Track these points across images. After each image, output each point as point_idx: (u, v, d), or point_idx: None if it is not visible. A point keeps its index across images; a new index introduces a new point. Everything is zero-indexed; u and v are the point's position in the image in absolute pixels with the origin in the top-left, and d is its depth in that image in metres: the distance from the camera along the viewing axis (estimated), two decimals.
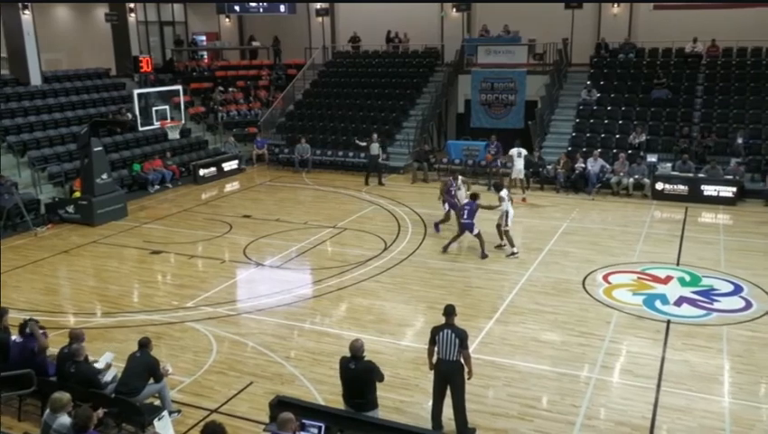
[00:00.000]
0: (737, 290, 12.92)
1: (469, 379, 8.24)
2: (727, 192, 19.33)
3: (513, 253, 14.90)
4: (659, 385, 9.49)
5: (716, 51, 25.19)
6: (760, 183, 19.75)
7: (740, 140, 21.05)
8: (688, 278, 13.54)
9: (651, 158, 21.26)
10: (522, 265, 14.34)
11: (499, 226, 15.15)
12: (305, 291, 13.32)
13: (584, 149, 22.14)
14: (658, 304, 12.30)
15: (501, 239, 15.21)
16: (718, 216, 18.31)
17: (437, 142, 27.77)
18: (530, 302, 12.47)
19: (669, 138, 22.32)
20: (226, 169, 24.39)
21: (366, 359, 7.61)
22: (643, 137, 22.16)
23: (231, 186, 23.07)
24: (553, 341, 10.93)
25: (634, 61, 26.18)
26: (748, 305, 12.24)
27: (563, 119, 24.82)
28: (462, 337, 8.07)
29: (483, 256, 14.79)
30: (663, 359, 10.22)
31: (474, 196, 15.02)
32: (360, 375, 7.56)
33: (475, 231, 14.85)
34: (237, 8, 30.82)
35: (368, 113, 27.37)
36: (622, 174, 20.62)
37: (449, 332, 8.10)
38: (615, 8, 27.86)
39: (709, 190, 19.47)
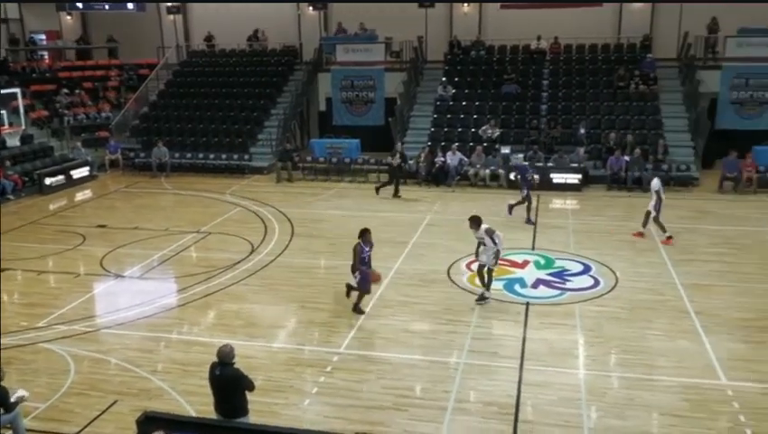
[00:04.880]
0: (586, 270, 13.93)
1: None
2: (574, 179, 20.81)
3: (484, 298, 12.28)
4: (521, 364, 10.02)
5: (558, 48, 26.96)
6: (601, 170, 21.38)
7: (582, 130, 22.68)
8: (542, 262, 14.41)
9: (505, 150, 22.42)
10: (389, 258, 14.60)
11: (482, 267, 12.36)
12: (170, 300, 12.79)
13: (442, 143, 22.92)
14: (517, 287, 12.99)
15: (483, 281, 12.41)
16: (567, 202, 19.64)
17: (300, 141, 27.66)
18: (399, 294, 12.74)
19: (521, 131, 23.63)
20: (76, 177, 22.86)
21: (235, 366, 7.41)
22: (497, 131, 23.29)
23: (83, 195, 21.68)
24: (422, 331, 11.24)
25: (485, 58, 27.44)
26: (596, 282, 13.23)
27: (421, 115, 25.54)
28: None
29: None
30: (524, 339, 10.81)
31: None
32: (226, 382, 7.35)
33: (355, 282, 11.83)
34: (80, 5, 28.97)
35: (228, 113, 26.73)
36: (479, 165, 21.61)
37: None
38: (466, 7, 29.02)
39: (558, 178, 20.87)
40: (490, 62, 27.25)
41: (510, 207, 17.65)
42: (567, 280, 13.42)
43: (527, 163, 17.97)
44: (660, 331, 11.01)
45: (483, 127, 23.43)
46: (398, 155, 20.77)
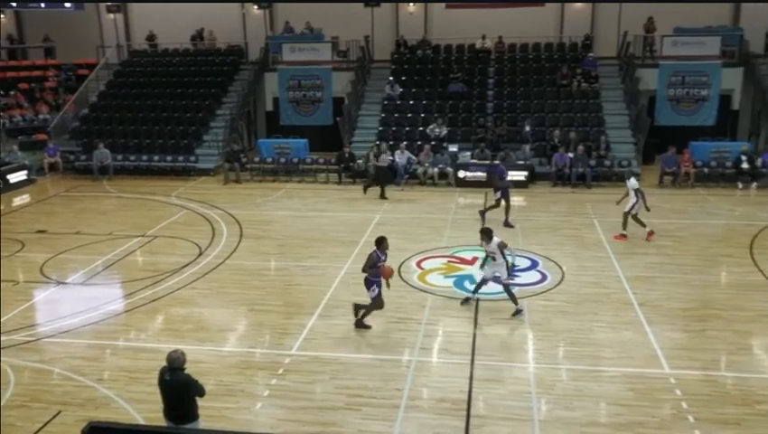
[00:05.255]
0: (534, 265, 14.18)
1: None
2: (520, 176, 21.14)
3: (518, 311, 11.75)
4: (473, 360, 10.14)
5: (503, 48, 27.38)
6: (546, 167, 21.80)
7: (528, 128, 23.09)
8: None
9: (453, 148, 22.66)
10: (340, 258, 14.58)
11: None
12: (116, 306, 12.47)
13: (391, 142, 23.01)
14: (467, 284, 13.12)
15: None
16: (514, 199, 19.86)
17: (248, 141, 27.36)
18: (350, 294, 12.67)
19: (468, 129, 23.89)
20: (12, 181, 22.06)
21: (185, 372, 7.27)
22: (444, 129, 23.50)
23: (21, 200, 20.93)
24: (374, 330, 11.24)
25: (432, 57, 27.65)
26: (544, 277, 13.49)
27: (369, 114, 25.58)
28: None
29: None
30: (475, 335, 10.94)
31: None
32: (176, 387, 7.21)
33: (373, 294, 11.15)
34: (13, 4, 27.98)
35: (172, 114, 26.22)
36: (427, 164, 21.77)
37: None
38: (411, 7, 29.19)
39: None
40: (436, 61, 27.47)
41: (482, 213, 17.16)
42: (515, 276, 13.59)
43: (498, 162, 17.52)
44: (606, 323, 11.29)
45: (431, 126, 23.61)
46: (383, 156, 20.82)
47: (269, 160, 23.52)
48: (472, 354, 10.30)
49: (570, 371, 9.83)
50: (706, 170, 21.35)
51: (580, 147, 21.37)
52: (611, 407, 8.85)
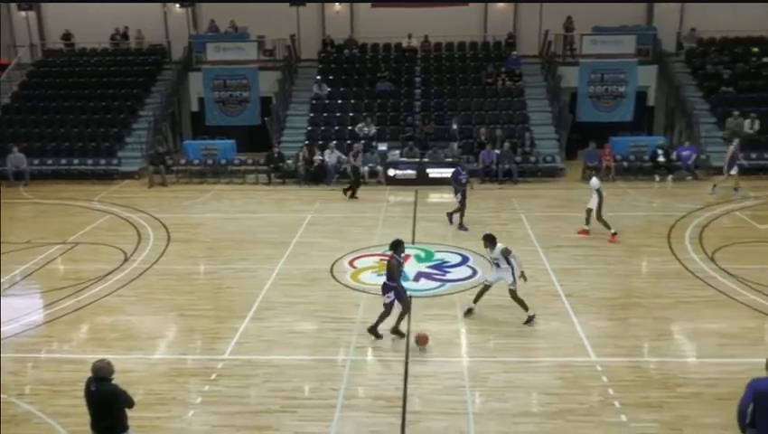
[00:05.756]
0: (465, 260, 14.41)
1: None
2: (449, 173, 21.32)
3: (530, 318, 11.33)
4: (407, 357, 10.21)
5: (428, 47, 27.68)
6: (474, 164, 22.16)
7: (455, 126, 23.44)
8: (423, 255, 14.75)
9: (382, 147, 22.76)
10: (271, 260, 14.42)
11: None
12: (36, 317, 11.93)
13: (320, 142, 22.91)
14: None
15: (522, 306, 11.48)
16: (443, 196, 20.16)
17: (173, 143, 26.67)
18: (283, 295, 12.60)
19: (396, 127, 24.04)
20: None
21: (113, 382, 7.01)
22: (373, 128, 23.57)
23: None
24: (308, 330, 11.18)
25: (358, 56, 27.68)
26: (474, 272, 13.71)
27: (298, 114, 25.40)
28: None
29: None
30: (409, 332, 11.01)
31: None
32: (103, 398, 6.95)
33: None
34: None
35: (92, 116, 25.29)
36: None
37: None
38: (337, 6, 29.10)
39: (434, 172, 21.44)
40: (363, 61, 27.52)
41: (450, 215, 16.93)
42: (447, 272, 13.82)
43: (458, 166, 17.01)
44: (535, 315, 11.57)
45: (359, 125, 23.64)
46: (360, 155, 20.69)
47: (196, 162, 23.02)
48: (407, 351, 10.37)
49: (502, 363, 10.03)
50: (625, 164, 22.21)
51: (506, 144, 21.84)
52: (541, 396, 9.09)
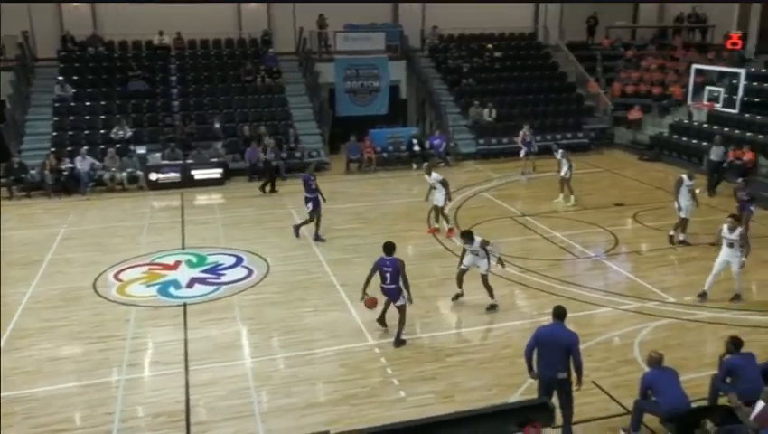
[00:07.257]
0: (239, 261, 14.19)
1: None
2: (215, 173, 20.95)
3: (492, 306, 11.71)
4: (186, 367, 9.83)
5: (182, 44, 26.63)
6: (241, 162, 21.89)
7: (217, 125, 22.92)
8: (195, 260, 14.24)
9: (141, 150, 21.50)
10: (21, 282, 12.93)
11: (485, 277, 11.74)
12: None
13: (69, 148, 20.98)
14: (172, 290, 12.65)
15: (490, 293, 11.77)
16: (212, 197, 19.71)
17: None
18: (38, 320, 11.39)
19: (155, 129, 22.84)
20: None
21: None
22: (129, 131, 22.15)
23: None
24: (72, 355, 10.24)
25: (105, 54, 25.78)
26: (250, 272, 13.57)
27: (39, 118, 22.91)
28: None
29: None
30: (186, 341, 10.60)
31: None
32: None
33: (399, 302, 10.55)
34: None
35: None
36: (113, 169, 20.34)
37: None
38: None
39: (199, 174, 20.78)
40: (111, 59, 25.68)
41: (296, 228, 15.65)
42: (221, 274, 13.51)
43: (306, 173, 15.50)
44: (314, 307, 11.82)
45: (114, 129, 22.06)
46: (269, 150, 20.26)
47: None
48: (186, 361, 9.98)
49: (285, 359, 10.10)
50: (385, 155, 23.47)
51: (271, 141, 21.85)
52: (326, 385, 9.31)
